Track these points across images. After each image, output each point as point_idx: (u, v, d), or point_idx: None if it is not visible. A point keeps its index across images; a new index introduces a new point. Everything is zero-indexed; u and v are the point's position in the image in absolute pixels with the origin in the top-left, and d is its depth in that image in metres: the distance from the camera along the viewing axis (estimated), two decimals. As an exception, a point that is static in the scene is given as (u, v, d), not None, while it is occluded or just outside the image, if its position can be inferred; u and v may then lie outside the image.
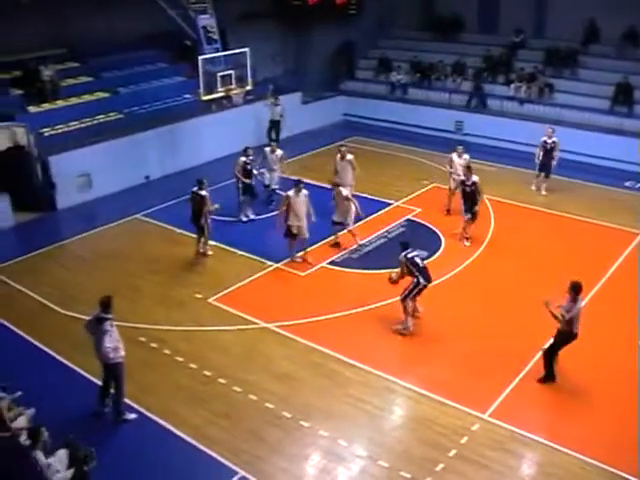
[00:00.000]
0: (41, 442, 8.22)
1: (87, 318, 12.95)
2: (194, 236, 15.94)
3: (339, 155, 17.25)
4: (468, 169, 15.89)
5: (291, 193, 14.85)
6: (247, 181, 17.01)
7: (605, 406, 10.44)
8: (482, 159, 21.76)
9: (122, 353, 10.02)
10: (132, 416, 10.34)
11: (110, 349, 9.83)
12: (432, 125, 24.63)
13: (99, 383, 10.50)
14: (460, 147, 17.60)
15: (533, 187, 19.17)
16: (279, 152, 18.07)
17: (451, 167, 17.43)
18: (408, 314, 12.48)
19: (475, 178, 15.62)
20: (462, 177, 15.96)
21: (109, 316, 9.87)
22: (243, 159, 16.94)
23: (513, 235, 16.16)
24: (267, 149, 18.13)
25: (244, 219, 17.38)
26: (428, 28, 28.49)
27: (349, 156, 17.17)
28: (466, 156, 17.38)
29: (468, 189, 15.63)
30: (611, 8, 22.93)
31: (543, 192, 18.91)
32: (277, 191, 18.02)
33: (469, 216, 15.78)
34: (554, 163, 18.59)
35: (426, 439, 9.93)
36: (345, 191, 15.73)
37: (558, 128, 21.47)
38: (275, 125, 22.63)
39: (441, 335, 12.50)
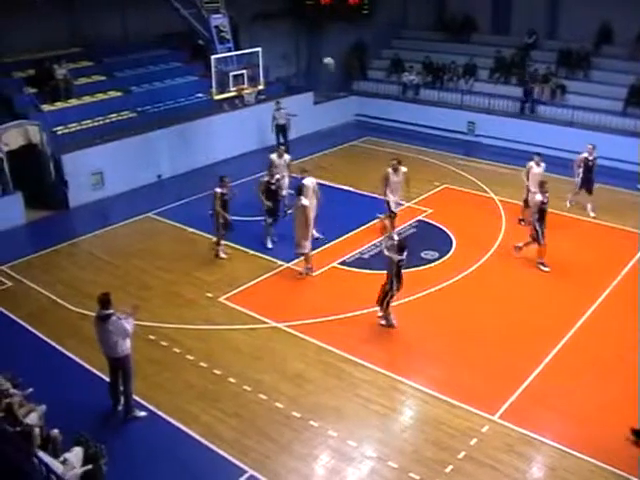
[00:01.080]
0: (36, 444, 8.24)
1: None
2: (205, 235, 16.05)
3: (390, 169, 15.88)
4: (542, 185, 14.85)
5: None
6: (269, 204, 15.51)
7: (617, 409, 10.37)
8: (494, 160, 21.80)
9: (128, 345, 10.06)
10: (142, 414, 10.39)
11: (116, 343, 9.90)
12: (444, 126, 24.60)
13: (106, 378, 10.54)
14: (537, 156, 16.71)
15: (568, 204, 18.02)
16: (287, 157, 17.36)
17: (528, 179, 16.50)
18: (387, 313, 12.70)
19: (547, 194, 14.76)
20: (540, 197, 14.60)
21: (110, 312, 9.88)
22: (266, 179, 15.56)
23: (525, 237, 16.05)
24: (273, 155, 17.12)
25: (270, 245, 15.92)
26: (441, 29, 28.44)
27: (403, 168, 16.03)
28: (543, 165, 16.51)
29: (546, 207, 14.66)
30: (626, 9, 22.80)
31: (591, 213, 17.65)
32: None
33: (543, 242, 14.77)
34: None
35: (435, 440, 9.92)
36: (305, 201, 14.32)
37: (570, 130, 21.49)
38: (281, 129, 22.05)
39: (451, 336, 12.47)
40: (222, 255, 15.49)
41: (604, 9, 23.42)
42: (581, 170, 17.53)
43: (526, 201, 16.91)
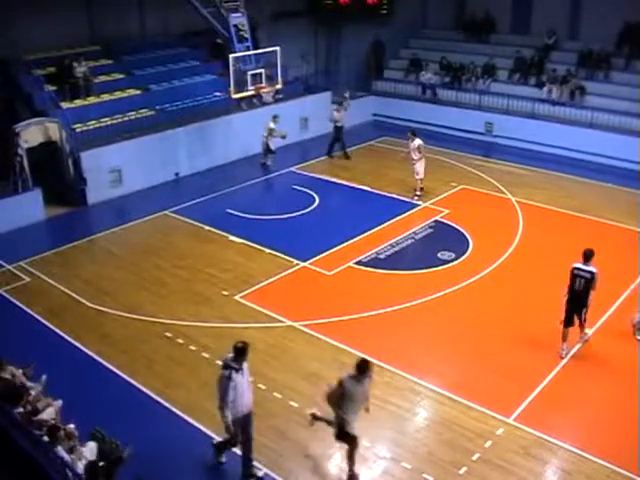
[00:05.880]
0: (59, 439, 8.27)
1: (113, 312, 13.21)
2: (222, 233, 16.06)
3: None
4: None
5: None
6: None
7: (635, 414, 10.26)
8: (512, 161, 21.66)
9: (242, 408, 8.79)
10: (260, 473, 9.26)
11: (228, 403, 8.66)
12: (462, 126, 24.50)
13: (123, 375, 10.55)
14: None
15: None
16: (417, 141, 17.87)
17: None
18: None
19: None
20: None
21: (235, 365, 8.60)
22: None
23: (543, 239, 15.97)
24: (413, 135, 18.07)
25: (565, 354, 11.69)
26: (460, 28, 28.32)
27: None
28: None
29: None
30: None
31: None
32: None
33: None
34: None
35: (450, 442, 9.87)
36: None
37: (589, 131, 21.25)
38: (339, 132, 21.86)
39: (467, 338, 12.41)
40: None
41: (626, 10, 23.18)
42: None
43: None
